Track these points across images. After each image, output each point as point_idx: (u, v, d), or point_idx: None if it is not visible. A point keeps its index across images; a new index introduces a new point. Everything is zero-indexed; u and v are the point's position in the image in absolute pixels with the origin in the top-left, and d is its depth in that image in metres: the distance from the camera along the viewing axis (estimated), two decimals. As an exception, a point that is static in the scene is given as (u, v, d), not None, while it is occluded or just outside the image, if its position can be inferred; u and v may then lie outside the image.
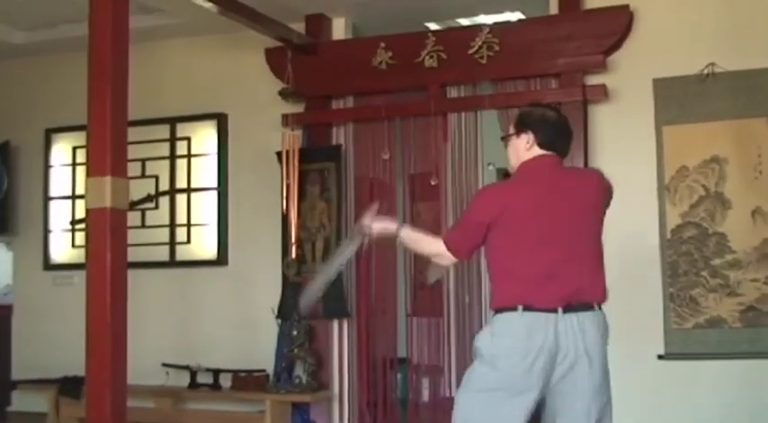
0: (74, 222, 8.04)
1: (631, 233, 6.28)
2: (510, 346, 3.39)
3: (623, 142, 6.43)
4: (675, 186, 6.25)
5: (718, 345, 6.08)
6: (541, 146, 3.53)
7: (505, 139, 3.71)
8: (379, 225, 3.83)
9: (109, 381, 4.70)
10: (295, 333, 6.84)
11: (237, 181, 7.61)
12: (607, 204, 3.64)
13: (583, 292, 3.43)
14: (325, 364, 6.98)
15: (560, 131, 3.58)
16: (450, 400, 7.10)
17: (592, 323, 3.43)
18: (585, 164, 6.26)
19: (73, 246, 8.11)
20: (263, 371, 7.03)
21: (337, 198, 7.01)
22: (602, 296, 3.52)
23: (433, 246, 3.71)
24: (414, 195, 7.13)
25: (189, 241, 7.74)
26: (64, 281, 7.93)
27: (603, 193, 3.61)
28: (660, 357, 6.14)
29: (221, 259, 7.60)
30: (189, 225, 7.74)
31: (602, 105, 6.46)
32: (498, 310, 3.49)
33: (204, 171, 7.71)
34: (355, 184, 7.16)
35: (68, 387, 7.32)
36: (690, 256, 6.18)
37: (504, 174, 8.56)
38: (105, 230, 4.74)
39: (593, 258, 3.53)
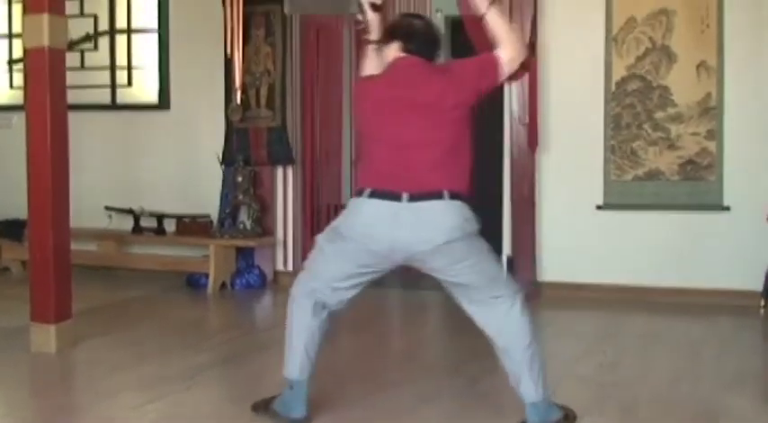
0: (11, 62, 7.82)
1: (577, 84, 6.31)
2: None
3: (573, -9, 6.37)
4: (623, 38, 6.23)
5: (656, 196, 6.23)
6: (409, 53, 3.62)
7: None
8: None
9: (51, 223, 4.68)
10: (240, 179, 6.84)
11: (179, 23, 7.37)
12: (472, 90, 3.51)
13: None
14: (269, 210, 7.02)
15: (426, 40, 3.66)
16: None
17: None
18: (535, 13, 6.20)
19: (11, 86, 7.91)
20: (207, 216, 7.05)
21: (282, 42, 6.87)
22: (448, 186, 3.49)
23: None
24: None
25: (130, 84, 7.58)
26: (3, 122, 7.75)
27: (457, 84, 3.51)
28: (599, 208, 6.28)
29: (163, 103, 7.46)
30: (129, 67, 7.56)
31: (553, -48, 6.35)
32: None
33: (145, 11, 7.47)
34: (301, 29, 6.98)
35: (10, 230, 7.29)
36: (633, 108, 6.24)
37: (450, 22, 8.47)
38: (44, 70, 4.62)
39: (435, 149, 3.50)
